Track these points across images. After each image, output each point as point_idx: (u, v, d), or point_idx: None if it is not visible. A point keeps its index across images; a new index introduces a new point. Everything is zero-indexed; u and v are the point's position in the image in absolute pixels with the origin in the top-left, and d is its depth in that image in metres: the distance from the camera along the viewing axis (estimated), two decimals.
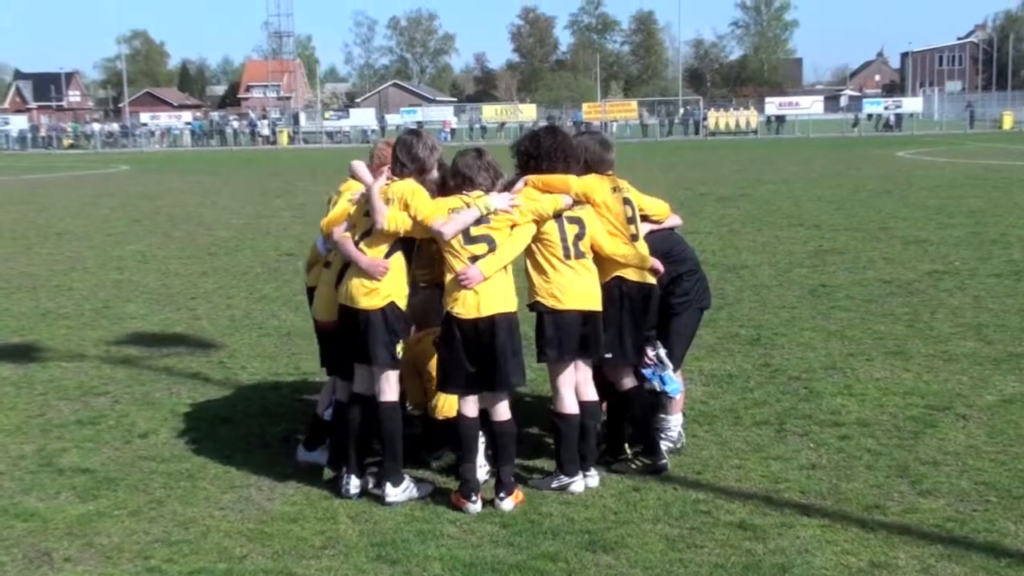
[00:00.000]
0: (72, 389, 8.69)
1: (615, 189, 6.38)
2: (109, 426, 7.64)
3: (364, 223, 6.04)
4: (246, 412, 7.96)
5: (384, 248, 5.97)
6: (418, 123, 67.47)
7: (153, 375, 9.11)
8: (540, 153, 6.25)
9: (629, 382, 6.47)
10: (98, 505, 6.09)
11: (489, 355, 5.89)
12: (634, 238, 6.38)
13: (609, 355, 6.34)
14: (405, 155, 6.08)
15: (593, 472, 6.25)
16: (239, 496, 6.21)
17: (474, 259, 5.88)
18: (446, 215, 5.89)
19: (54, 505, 6.11)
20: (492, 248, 5.91)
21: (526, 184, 6.17)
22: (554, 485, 6.16)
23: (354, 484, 6.13)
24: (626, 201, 6.40)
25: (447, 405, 6.45)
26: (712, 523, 5.62)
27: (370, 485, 6.21)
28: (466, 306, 5.87)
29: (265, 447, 7.12)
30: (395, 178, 6.03)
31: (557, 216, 6.12)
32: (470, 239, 5.90)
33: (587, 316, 6.15)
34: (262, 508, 6.02)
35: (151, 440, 7.30)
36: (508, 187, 6.20)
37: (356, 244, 6.03)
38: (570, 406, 6.20)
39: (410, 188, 5.97)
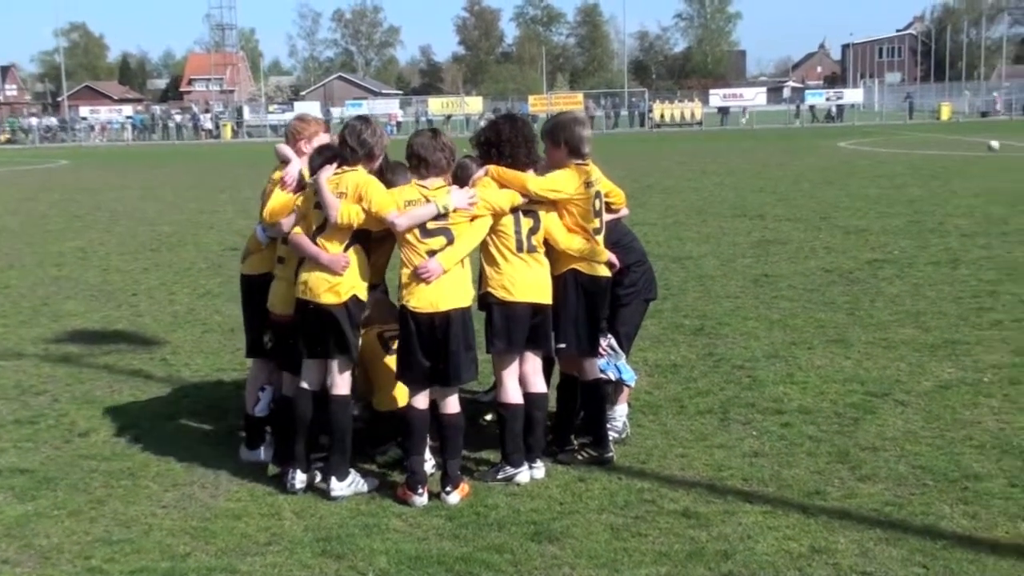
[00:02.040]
0: (10, 388, 8.54)
1: (588, 184, 6.29)
2: (48, 425, 7.53)
3: (317, 216, 5.99)
4: (189, 409, 7.89)
5: (343, 242, 5.94)
6: (364, 116, 67.11)
7: (94, 373, 8.99)
8: (501, 140, 6.24)
9: (590, 372, 6.50)
10: (37, 505, 6.00)
11: (443, 349, 5.88)
12: (596, 231, 6.38)
13: (563, 345, 6.37)
14: (355, 140, 6.04)
15: (539, 464, 6.27)
16: (182, 494, 6.15)
17: (431, 253, 5.85)
18: (401, 207, 5.86)
19: None
20: (450, 241, 5.89)
21: (486, 174, 6.16)
22: (500, 476, 6.17)
23: (299, 479, 6.10)
24: (596, 194, 6.39)
25: (389, 398, 6.44)
26: (656, 511, 5.66)
27: (316, 479, 6.18)
28: (422, 300, 5.85)
29: (208, 444, 7.05)
30: (344, 168, 5.98)
31: (513, 210, 6.13)
32: (427, 232, 5.86)
33: (537, 308, 6.17)
34: (205, 505, 5.97)
35: (91, 439, 7.21)
36: (466, 181, 6.20)
37: (313, 239, 5.98)
38: (514, 396, 6.21)
39: (364, 179, 5.94)
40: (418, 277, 5.83)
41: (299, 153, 6.41)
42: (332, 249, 5.93)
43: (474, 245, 6.03)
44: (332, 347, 5.96)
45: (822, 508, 5.64)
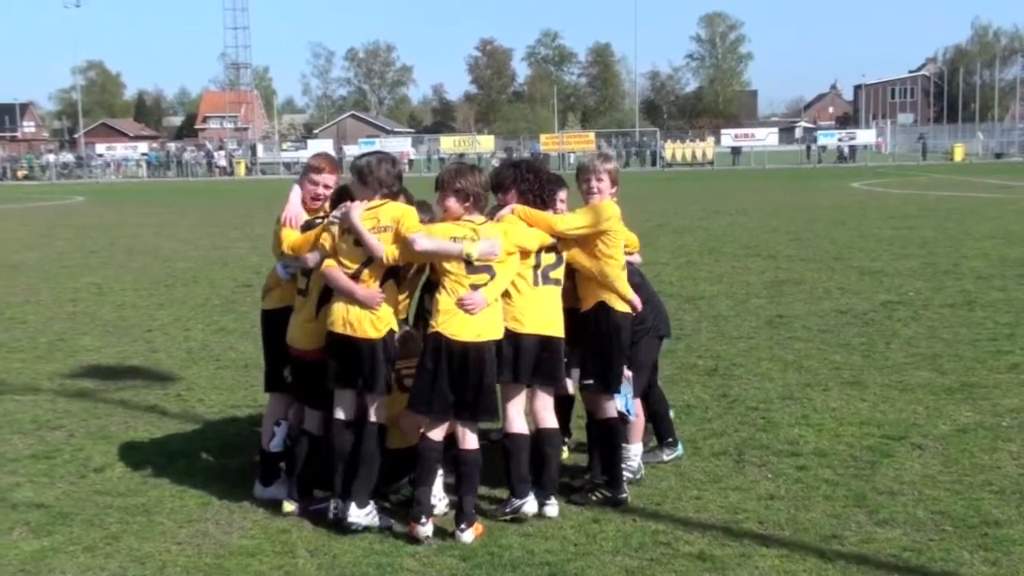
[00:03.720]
0: (26, 423, 8.56)
1: (619, 218, 6.47)
2: (64, 460, 7.54)
3: (358, 255, 6.03)
4: (203, 446, 7.89)
5: (378, 277, 6.02)
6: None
7: (109, 408, 9.00)
8: (521, 185, 6.34)
9: (610, 411, 6.49)
10: (52, 541, 5.99)
11: (474, 382, 5.91)
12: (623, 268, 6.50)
13: (590, 382, 6.38)
14: (370, 177, 6.09)
15: (553, 501, 6.24)
16: (196, 530, 6.14)
17: (475, 287, 5.93)
18: (440, 236, 5.94)
19: (7, 541, 6.01)
20: (492, 278, 5.97)
21: (512, 212, 6.21)
22: (508, 511, 6.15)
23: (354, 513, 6.01)
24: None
25: (401, 435, 6.45)
26: (671, 554, 5.63)
27: (330, 510, 6.17)
28: (461, 329, 5.88)
29: (222, 480, 7.04)
30: (375, 202, 6.05)
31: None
32: (473, 268, 5.95)
33: (546, 342, 6.19)
34: (219, 542, 5.95)
35: (107, 474, 7.21)
36: (492, 214, 6.30)
37: (356, 276, 6.02)
38: (518, 426, 6.22)
39: (401, 211, 6.04)
40: (462, 306, 5.88)
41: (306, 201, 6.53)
42: (370, 284, 6.00)
43: (510, 280, 6.10)
44: (367, 382, 6.01)
45: (839, 553, 5.60)
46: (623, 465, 6.66)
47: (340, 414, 6.18)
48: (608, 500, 6.38)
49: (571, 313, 6.41)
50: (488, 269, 5.97)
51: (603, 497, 6.40)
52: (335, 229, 6.12)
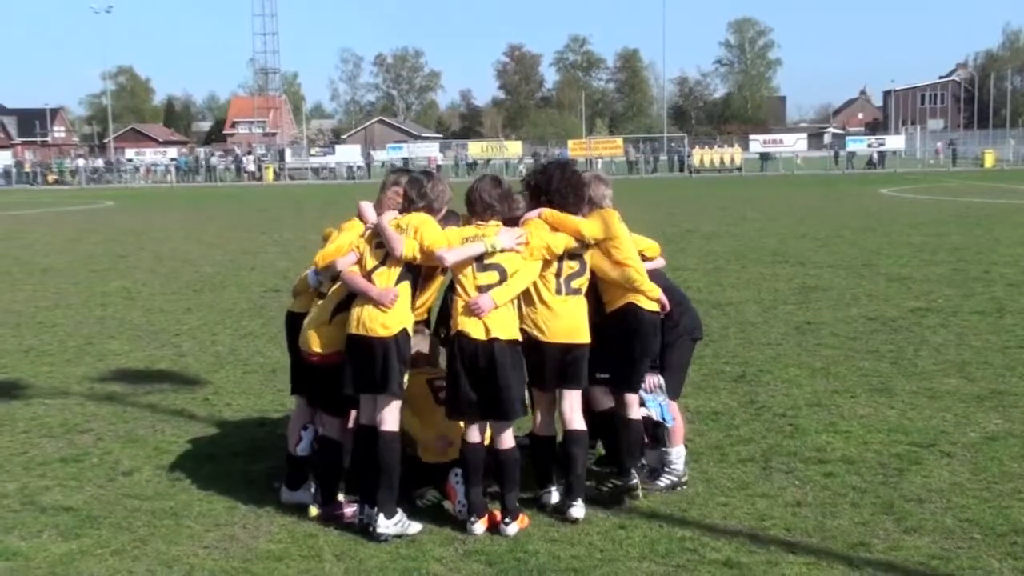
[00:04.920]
0: (55, 427, 8.64)
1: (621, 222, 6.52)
2: (92, 464, 7.60)
3: (377, 255, 6.12)
4: (231, 450, 7.93)
5: (393, 278, 6.06)
6: (404, 159, 67.74)
7: (137, 412, 9.07)
8: (551, 188, 6.32)
9: (630, 408, 6.48)
10: (81, 544, 6.04)
11: (492, 383, 5.95)
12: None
13: (607, 375, 6.41)
14: (415, 192, 6.23)
15: (579, 503, 6.22)
16: (223, 534, 6.17)
17: (482, 288, 5.98)
18: (456, 243, 6.03)
19: (36, 544, 6.06)
20: (503, 277, 6.02)
21: (540, 217, 6.23)
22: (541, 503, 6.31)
23: (383, 523, 5.99)
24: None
25: (432, 452, 6.50)
26: (698, 561, 5.61)
27: (355, 517, 6.20)
28: (475, 328, 5.95)
29: (250, 485, 7.07)
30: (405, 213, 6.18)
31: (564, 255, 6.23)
32: (483, 267, 6.03)
33: (569, 348, 6.21)
34: (247, 546, 5.98)
35: (135, 478, 7.26)
36: (517, 220, 6.35)
37: (368, 276, 6.10)
38: (543, 429, 6.37)
39: (420, 218, 6.14)
40: (469, 310, 5.93)
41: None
42: (383, 284, 6.04)
43: (526, 285, 6.13)
44: (379, 382, 6.01)
45: (867, 560, 5.56)
46: (667, 468, 6.74)
47: (364, 420, 6.20)
48: (619, 489, 6.38)
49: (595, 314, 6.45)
50: (499, 268, 6.02)
51: (613, 487, 6.40)
52: (370, 233, 6.23)
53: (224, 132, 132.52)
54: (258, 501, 6.70)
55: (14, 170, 76.74)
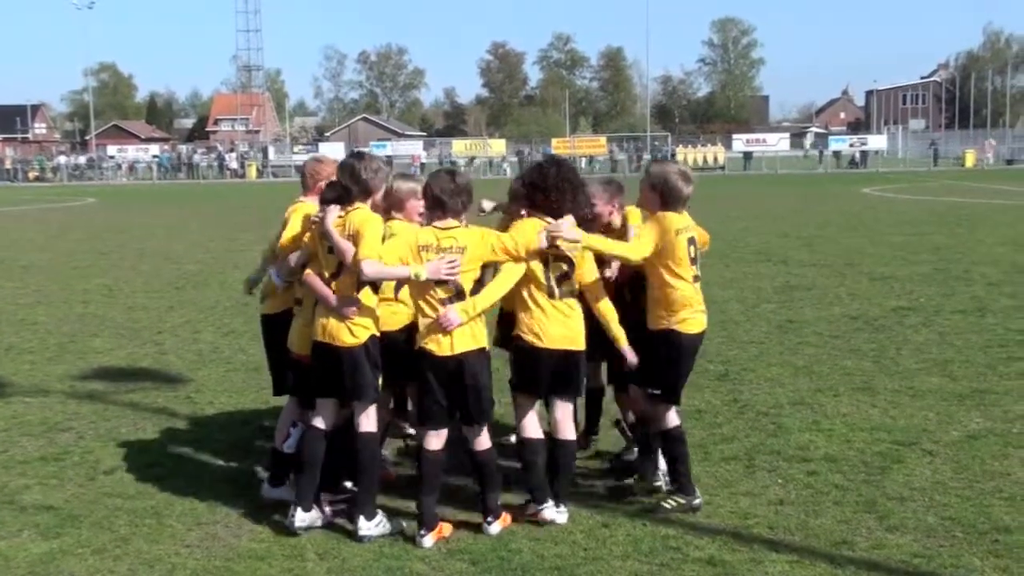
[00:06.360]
0: (35, 425, 8.58)
1: (678, 232, 6.39)
2: (73, 462, 7.55)
3: (332, 261, 6.00)
4: (213, 448, 7.89)
5: (354, 284, 5.95)
6: (388, 157, 67.54)
7: (119, 410, 9.02)
8: (547, 185, 6.24)
9: (670, 421, 6.44)
10: (61, 543, 6.00)
11: (461, 391, 5.90)
12: (696, 279, 6.49)
13: (658, 392, 6.37)
14: (348, 178, 6.01)
15: (564, 508, 6.24)
16: (205, 533, 6.15)
17: (442, 301, 5.86)
18: (399, 255, 5.84)
19: (16, 543, 6.02)
20: (458, 292, 5.87)
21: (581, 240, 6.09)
22: (527, 513, 6.19)
23: (299, 517, 6.06)
24: (690, 241, 6.47)
25: None
26: (681, 559, 5.61)
27: (323, 520, 6.17)
28: (438, 345, 5.87)
29: (232, 483, 7.05)
30: (348, 208, 5.98)
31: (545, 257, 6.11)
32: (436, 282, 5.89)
33: (565, 356, 6.16)
34: (229, 545, 5.96)
35: (116, 476, 7.22)
36: (514, 215, 6.39)
37: (330, 282, 6.00)
38: (532, 431, 6.24)
39: (363, 218, 5.91)
40: (438, 326, 5.85)
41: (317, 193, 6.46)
42: (344, 291, 5.94)
43: (501, 294, 6.05)
44: (352, 389, 5.97)
45: (849, 559, 5.58)
46: (659, 471, 6.75)
47: (318, 423, 6.17)
48: (682, 507, 6.30)
49: (636, 327, 6.40)
50: (452, 282, 5.86)
51: (677, 504, 6.33)
52: (317, 231, 6.07)
53: (207, 129, 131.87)
54: (241, 500, 6.67)
55: None
